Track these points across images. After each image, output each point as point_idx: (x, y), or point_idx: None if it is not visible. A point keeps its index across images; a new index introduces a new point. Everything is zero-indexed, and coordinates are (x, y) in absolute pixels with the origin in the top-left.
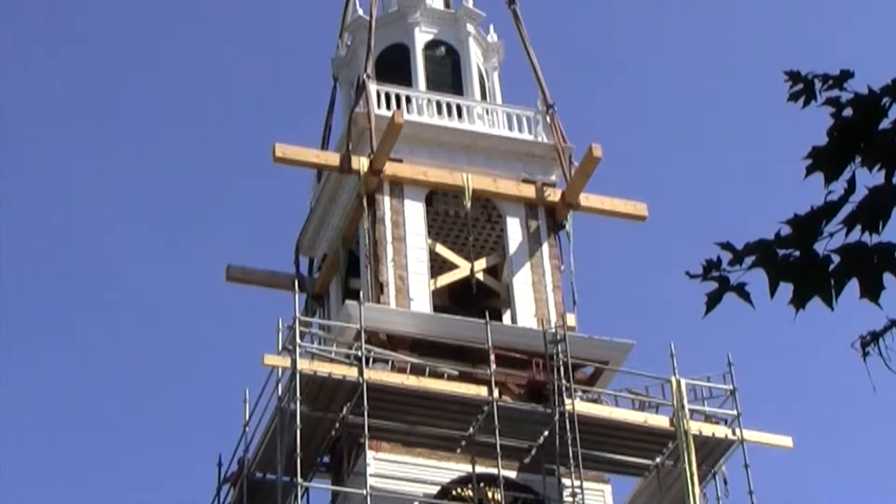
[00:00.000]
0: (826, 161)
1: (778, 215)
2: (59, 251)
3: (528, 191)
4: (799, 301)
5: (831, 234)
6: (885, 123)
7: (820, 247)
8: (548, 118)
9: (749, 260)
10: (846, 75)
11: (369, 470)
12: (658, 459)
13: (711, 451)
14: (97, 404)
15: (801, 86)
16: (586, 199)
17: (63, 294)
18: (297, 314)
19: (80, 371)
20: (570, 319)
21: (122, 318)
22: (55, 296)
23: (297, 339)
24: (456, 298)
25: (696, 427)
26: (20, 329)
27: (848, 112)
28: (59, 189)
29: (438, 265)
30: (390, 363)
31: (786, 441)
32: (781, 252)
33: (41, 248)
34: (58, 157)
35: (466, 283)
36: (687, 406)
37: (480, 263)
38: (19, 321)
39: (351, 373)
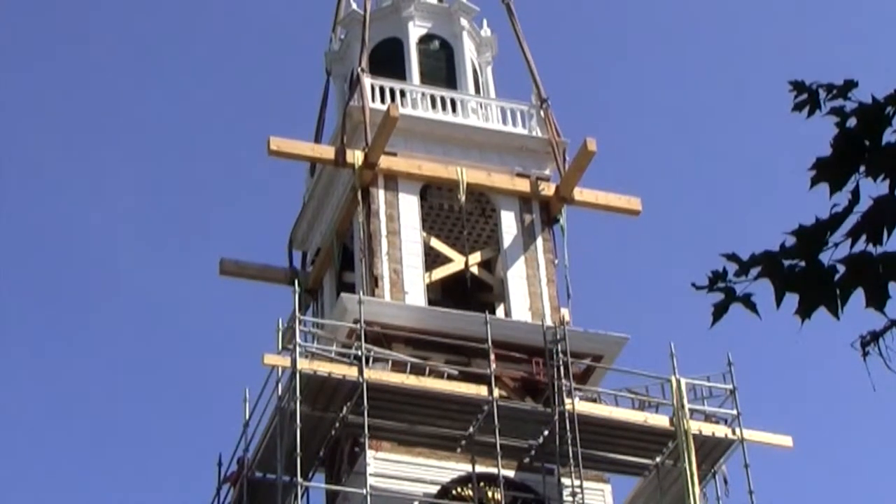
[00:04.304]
0: (830, 172)
1: (773, 209)
2: (56, 250)
3: (523, 185)
4: (805, 311)
5: (836, 245)
6: (888, 133)
7: (825, 257)
8: (542, 112)
9: (755, 271)
10: (850, 85)
11: (369, 469)
12: (658, 459)
13: (711, 450)
14: (97, 404)
15: (805, 96)
16: (580, 193)
17: (61, 293)
18: (297, 314)
19: (80, 371)
20: (564, 314)
21: (120, 318)
22: (53, 295)
23: (297, 339)
24: (449, 292)
25: (696, 427)
26: (19, 329)
27: (852, 122)
28: (54, 187)
29: (432, 259)
30: (390, 362)
31: (786, 441)
32: (787, 263)
33: (37, 247)
34: (52, 154)
35: (460, 276)
36: (687, 406)
37: (475, 257)
38: (18, 321)
39: (351, 372)
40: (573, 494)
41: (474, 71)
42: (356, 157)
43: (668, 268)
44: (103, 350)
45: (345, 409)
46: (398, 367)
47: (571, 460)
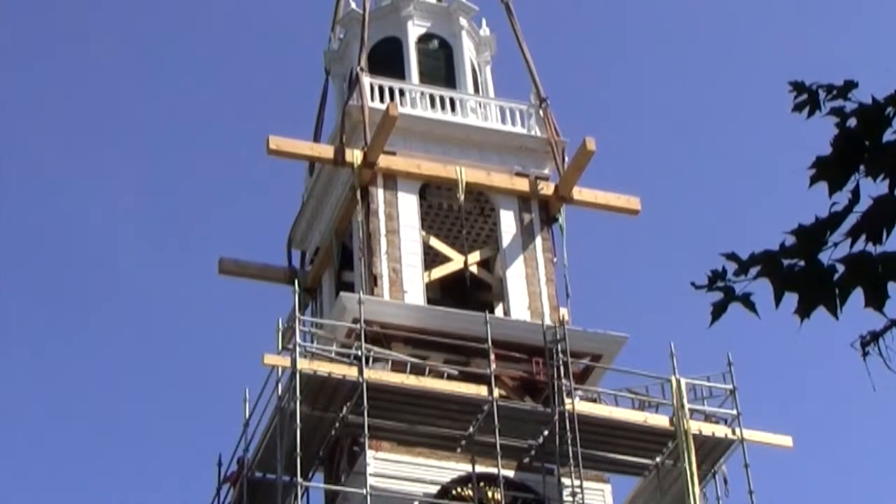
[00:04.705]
0: (830, 171)
1: (772, 209)
2: (56, 250)
3: (522, 184)
4: (804, 311)
5: (836, 244)
6: (889, 134)
7: (824, 257)
8: (541, 112)
9: (754, 270)
10: (850, 85)
11: (369, 469)
12: (658, 459)
13: (711, 450)
14: (97, 404)
15: (805, 96)
16: (579, 192)
17: (61, 293)
18: (298, 314)
19: (80, 371)
20: (564, 313)
21: (120, 317)
22: (53, 295)
23: (298, 339)
24: (448, 291)
25: (696, 427)
26: (19, 329)
27: (852, 122)
28: (54, 187)
29: (431, 258)
30: (390, 362)
31: (786, 441)
32: (786, 262)
33: (37, 247)
34: (52, 154)
35: (459, 276)
36: (687, 406)
37: (474, 256)
38: (18, 321)
39: (351, 372)
40: (573, 494)
41: (473, 70)
42: (355, 156)
43: (667, 267)
44: (103, 350)
45: (345, 409)
46: (398, 366)
47: (571, 460)
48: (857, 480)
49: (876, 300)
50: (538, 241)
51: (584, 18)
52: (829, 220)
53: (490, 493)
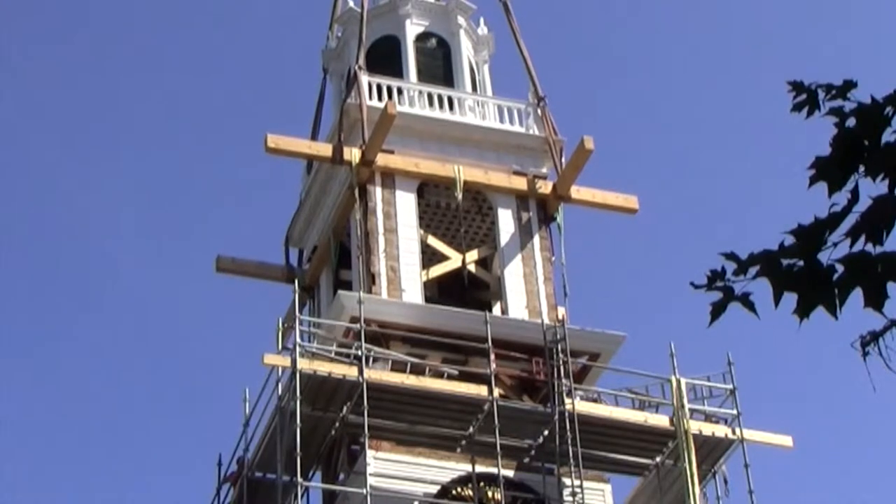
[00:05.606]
0: (830, 171)
1: (772, 208)
2: (55, 250)
3: (520, 183)
4: (803, 311)
5: (835, 244)
6: (888, 133)
7: (824, 257)
8: (539, 110)
9: (753, 270)
10: (849, 85)
11: (369, 469)
12: (658, 459)
13: (711, 450)
14: (97, 404)
15: (804, 96)
16: (577, 191)
17: (60, 293)
18: (297, 313)
19: (80, 371)
20: (562, 312)
21: (120, 318)
22: (53, 295)
23: (298, 339)
24: (446, 290)
25: (696, 426)
26: (19, 329)
27: (851, 122)
28: (54, 187)
29: (429, 256)
30: (390, 362)
31: (786, 441)
32: (786, 262)
33: (36, 247)
34: (49, 153)
35: (456, 274)
36: (687, 405)
37: (472, 255)
38: (18, 321)
39: (350, 372)
40: (573, 494)
41: (471, 69)
42: (353, 154)
43: (665, 267)
44: (103, 350)
45: (345, 408)
46: (397, 366)
47: (571, 460)
48: (857, 480)
49: (875, 300)
50: (536, 239)
51: (583, 17)
52: (829, 220)
53: (490, 493)
